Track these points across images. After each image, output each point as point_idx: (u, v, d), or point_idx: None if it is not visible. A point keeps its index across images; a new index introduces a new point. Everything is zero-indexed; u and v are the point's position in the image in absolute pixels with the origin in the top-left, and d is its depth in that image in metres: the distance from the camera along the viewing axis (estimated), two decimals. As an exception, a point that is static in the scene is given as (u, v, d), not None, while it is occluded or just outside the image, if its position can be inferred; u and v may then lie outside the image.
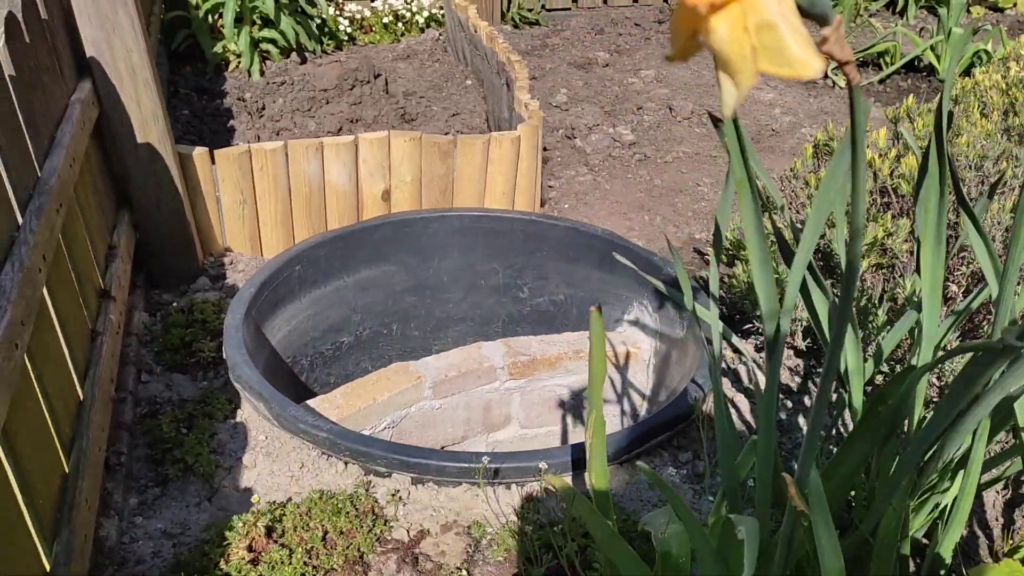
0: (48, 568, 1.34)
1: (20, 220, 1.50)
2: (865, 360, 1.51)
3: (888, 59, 4.66)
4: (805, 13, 0.60)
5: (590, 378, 1.24)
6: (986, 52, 4.27)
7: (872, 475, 1.32)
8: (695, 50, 0.58)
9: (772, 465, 1.23)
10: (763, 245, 1.14)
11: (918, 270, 1.34)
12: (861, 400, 1.43)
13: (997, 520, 1.87)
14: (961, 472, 1.30)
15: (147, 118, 2.25)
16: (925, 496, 1.41)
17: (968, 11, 5.68)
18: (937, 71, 4.54)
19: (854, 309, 1.97)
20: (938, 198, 1.09)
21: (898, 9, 5.69)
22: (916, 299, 1.37)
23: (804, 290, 1.45)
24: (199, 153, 2.49)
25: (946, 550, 1.25)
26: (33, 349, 1.41)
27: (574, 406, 2.59)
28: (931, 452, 1.16)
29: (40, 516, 1.34)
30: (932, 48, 4.57)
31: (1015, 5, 5.82)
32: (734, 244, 2.23)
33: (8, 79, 1.57)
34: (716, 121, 1.30)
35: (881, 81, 4.61)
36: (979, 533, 1.82)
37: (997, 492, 1.92)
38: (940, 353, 1.39)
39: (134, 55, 2.17)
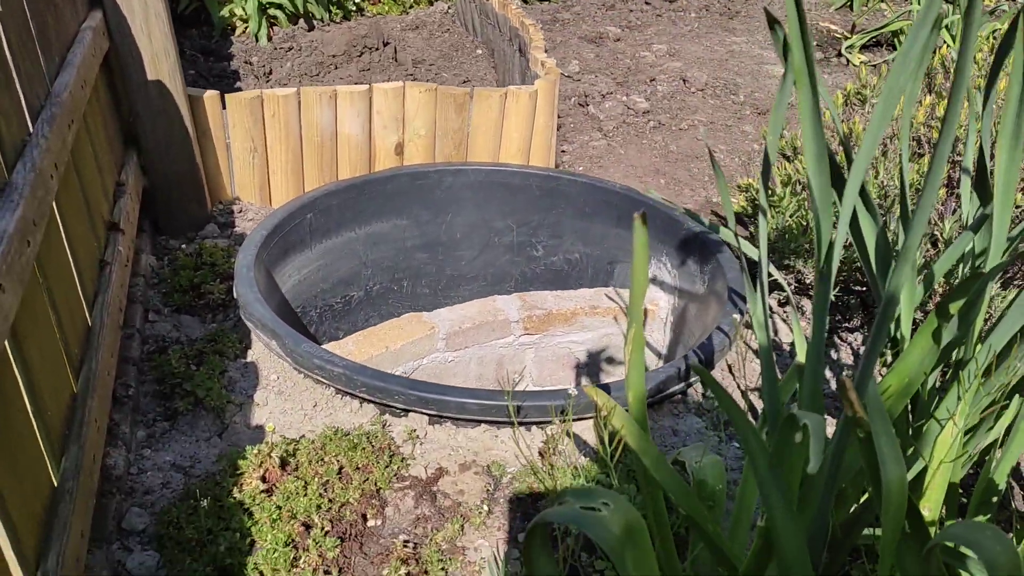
0: (56, 482, 1.27)
1: (31, 127, 1.43)
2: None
3: (902, 38, 4.61)
4: None
5: (632, 289, 1.18)
6: (1000, 30, 4.22)
7: (926, 398, 1.26)
8: None
9: (820, 378, 1.18)
10: (820, 137, 1.08)
11: (977, 187, 1.29)
12: (910, 331, 1.38)
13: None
14: (1018, 397, 1.24)
15: (158, 52, 2.18)
16: (971, 433, 1.35)
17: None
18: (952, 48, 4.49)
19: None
20: (1020, 89, 1.03)
21: (910, -6, 5.63)
22: (974, 223, 1.31)
23: (852, 220, 1.39)
24: (210, 96, 2.42)
25: (1001, 475, 1.20)
26: (43, 259, 1.35)
27: (589, 365, 2.53)
28: (996, 361, 1.10)
29: (49, 431, 1.28)
30: (947, 28, 4.52)
31: (1027, -7, 5.78)
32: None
33: (20, -16, 1.50)
34: (773, 21, 1.24)
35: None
36: (1013, 484, 1.77)
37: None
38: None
39: (147, -14, 2.10)
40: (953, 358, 1.26)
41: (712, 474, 1.33)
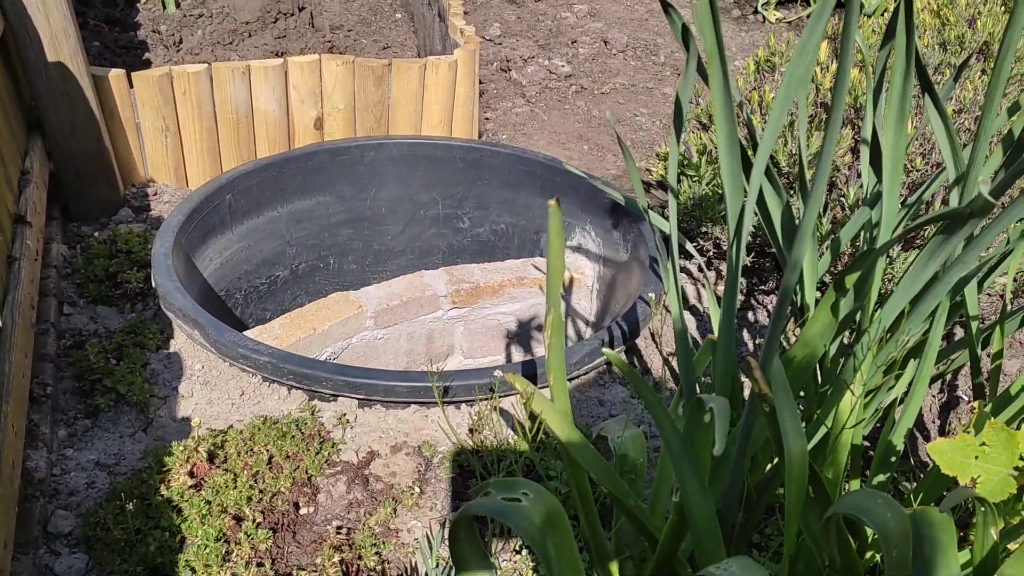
0: (-28, 495, 1.25)
1: (-80, 126, 1.37)
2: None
3: (817, -5, 4.70)
4: None
5: (548, 275, 1.20)
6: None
7: (828, 365, 1.33)
8: None
9: (733, 353, 1.23)
10: (732, 121, 1.11)
11: (872, 163, 1.34)
12: (814, 298, 1.44)
13: (934, 423, 1.93)
14: (913, 361, 1.31)
15: (57, 33, 2.09)
16: (871, 396, 1.43)
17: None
18: (864, 4, 4.59)
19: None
20: (903, 70, 1.08)
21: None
22: (870, 199, 1.37)
23: (760, 197, 1.43)
24: (115, 75, 2.33)
25: (898, 437, 1.27)
26: (-57, 264, 1.30)
27: (518, 335, 2.57)
28: (890, 332, 1.16)
29: (-40, 441, 1.25)
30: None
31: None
32: (679, 162, 2.21)
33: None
34: (667, 5, 1.25)
35: (810, 16, 4.65)
36: (917, 435, 1.87)
37: (933, 396, 1.98)
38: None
39: (39, -37, 2.00)
40: (856, 325, 1.32)
41: (633, 447, 1.38)
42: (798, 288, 1.47)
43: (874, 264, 1.07)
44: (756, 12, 4.67)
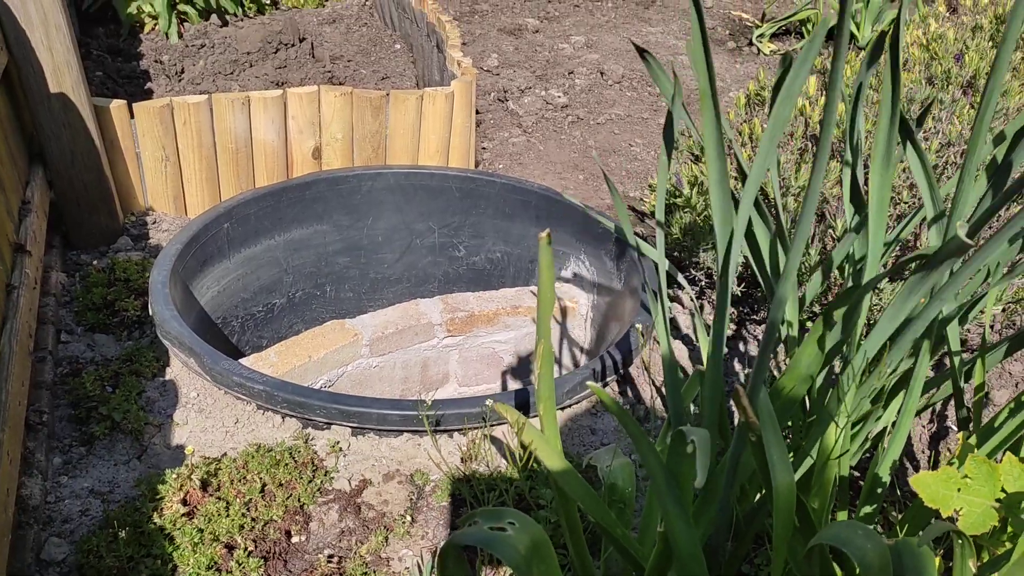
0: (-34, 522, 1.26)
1: (-77, 158, 1.39)
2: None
3: (810, 27, 4.77)
4: None
5: (539, 307, 1.23)
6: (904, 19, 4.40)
7: (816, 396, 1.35)
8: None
9: (720, 384, 1.24)
10: (722, 157, 1.14)
11: (853, 200, 1.36)
12: (797, 331, 1.46)
13: (924, 452, 1.94)
14: (901, 393, 1.33)
15: (60, 65, 2.13)
16: (859, 426, 1.44)
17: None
18: (857, 38, 4.66)
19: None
20: (890, 113, 1.10)
21: (818, -19, 5.81)
22: (854, 229, 1.39)
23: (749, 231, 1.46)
24: (116, 106, 2.37)
25: (884, 469, 1.29)
26: (-58, 294, 1.32)
27: (513, 364, 2.58)
28: (872, 366, 1.18)
29: (-44, 469, 1.26)
30: (852, 16, 4.69)
31: (927, -21, 6.02)
32: (670, 192, 2.24)
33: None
34: (642, 52, 1.29)
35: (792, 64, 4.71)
36: (907, 465, 1.88)
37: (923, 427, 1.99)
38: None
39: (44, -2, 2.05)
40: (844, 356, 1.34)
41: (622, 476, 1.40)
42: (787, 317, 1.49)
43: (860, 300, 1.09)
44: (751, 44, 4.74)
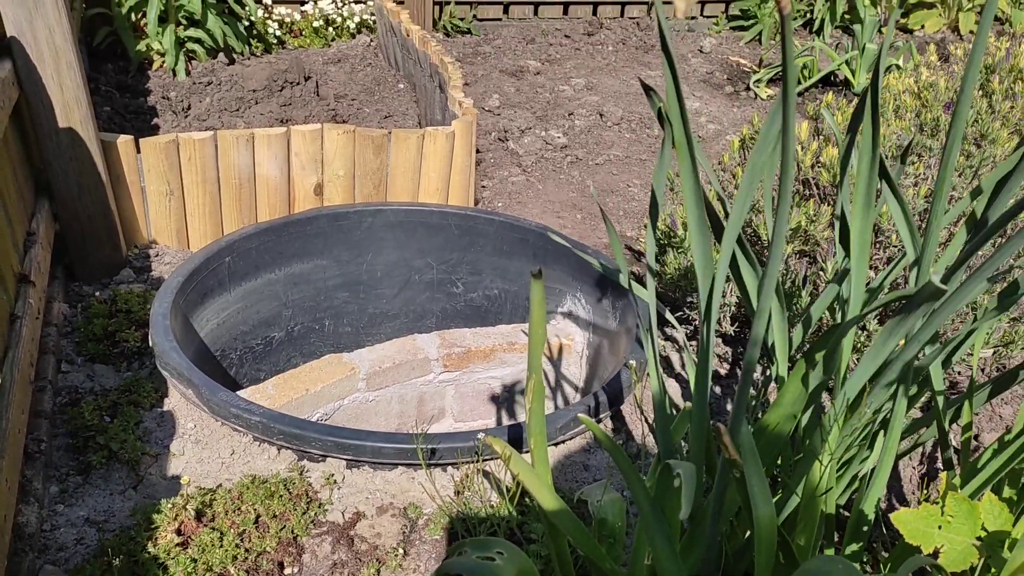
0: (-37, 548, 1.28)
1: (-64, 189, 1.43)
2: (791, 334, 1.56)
3: (806, 73, 4.86)
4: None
5: (530, 343, 1.26)
6: (897, 66, 4.48)
7: (800, 435, 1.37)
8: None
9: (707, 421, 1.27)
10: (700, 205, 1.18)
11: (843, 241, 1.40)
12: (786, 370, 1.48)
13: (914, 494, 1.95)
14: (882, 433, 1.35)
15: (69, 101, 2.18)
16: (845, 466, 1.47)
17: (880, 32, 5.96)
18: (852, 84, 4.75)
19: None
20: (870, 158, 1.15)
21: (814, 28, 5.93)
22: (838, 276, 1.43)
23: (734, 265, 1.50)
24: (123, 141, 2.42)
25: (869, 506, 1.31)
26: (-51, 322, 1.35)
27: (508, 399, 2.60)
28: (854, 406, 1.21)
29: (-45, 495, 1.28)
30: (847, 63, 4.78)
31: (923, 27, 6.14)
32: (665, 234, 2.28)
33: (-76, 45, 1.51)
34: (648, 90, 1.33)
35: (799, 94, 4.80)
36: (897, 505, 1.90)
37: (913, 468, 2.01)
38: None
39: (57, 36, 2.11)
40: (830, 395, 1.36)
41: (612, 511, 1.41)
42: (776, 359, 1.52)
43: (839, 341, 1.12)
44: (748, 89, 4.82)
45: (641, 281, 2.68)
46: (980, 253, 1.98)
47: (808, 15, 5.94)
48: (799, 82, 4.93)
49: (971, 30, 5.86)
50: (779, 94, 1.04)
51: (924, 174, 2.03)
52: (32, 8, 2.06)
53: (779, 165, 0.92)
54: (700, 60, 5.23)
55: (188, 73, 4.17)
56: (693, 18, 6.02)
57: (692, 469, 0.95)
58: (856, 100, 3.17)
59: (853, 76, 4.76)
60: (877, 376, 1.16)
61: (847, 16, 5.90)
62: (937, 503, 1.28)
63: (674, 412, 2.05)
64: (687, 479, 0.93)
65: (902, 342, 1.11)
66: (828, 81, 4.94)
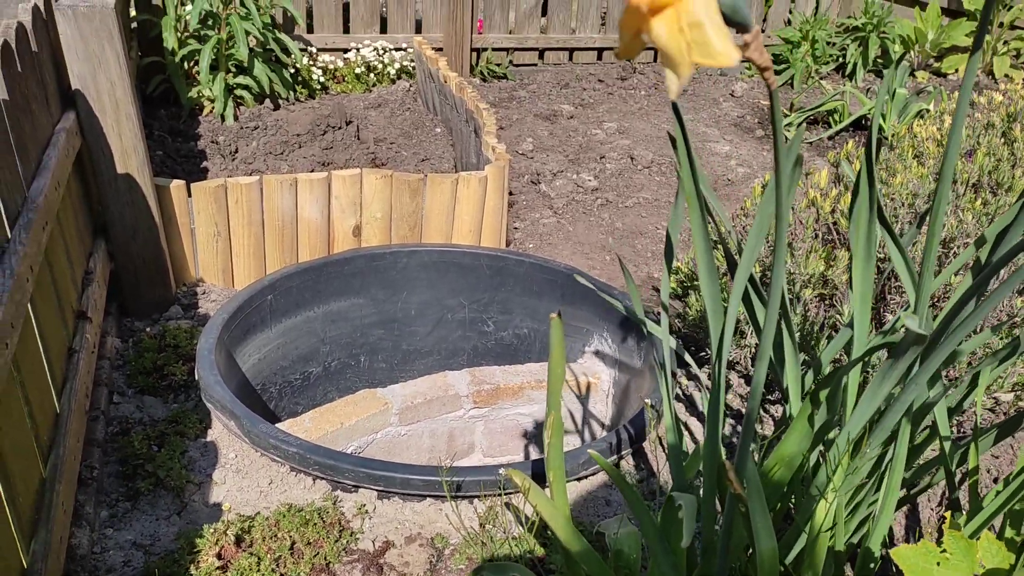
0: (26, 565, 1.38)
1: (9, 234, 1.57)
2: (805, 375, 1.62)
3: (837, 117, 4.92)
4: (728, 20, 0.73)
5: (549, 379, 1.34)
6: (927, 111, 4.53)
7: (808, 473, 1.42)
8: (640, 47, 0.69)
9: (718, 458, 1.33)
10: (709, 252, 1.26)
11: (850, 286, 1.47)
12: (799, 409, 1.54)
13: (931, 534, 1.98)
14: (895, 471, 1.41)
15: (127, 149, 2.34)
16: (856, 506, 1.51)
17: (913, 75, 6.00)
18: (883, 128, 4.79)
19: (799, 335, 2.10)
20: (868, 215, 1.22)
21: (847, 73, 6.00)
22: (851, 320, 1.50)
23: (750, 309, 1.57)
24: (176, 185, 2.57)
25: (875, 544, 1.35)
26: (18, 356, 1.48)
27: (536, 435, 2.67)
28: (858, 444, 1.27)
29: (20, 516, 1.39)
30: (879, 108, 4.83)
31: (956, 71, 6.17)
32: (688, 276, 2.35)
33: (2, 102, 1.65)
34: (675, 143, 1.42)
35: (830, 137, 4.86)
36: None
37: (932, 510, 2.04)
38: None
39: (118, 89, 2.27)
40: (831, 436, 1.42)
41: (628, 544, 1.48)
42: (789, 399, 1.58)
43: (839, 382, 1.19)
44: (778, 132, 4.89)
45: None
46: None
47: (840, 59, 6.01)
48: (830, 125, 4.99)
49: (1006, 74, 5.88)
50: (784, 147, 1.12)
51: (944, 221, 2.08)
52: (96, 64, 2.22)
53: (774, 224, 1.00)
54: (732, 104, 5.32)
55: (236, 118, 4.36)
56: (725, 62, 6.12)
57: (693, 501, 1.02)
58: (882, 143, 3.23)
59: (884, 120, 4.81)
60: (879, 418, 1.22)
61: (880, 60, 5.96)
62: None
63: (688, 450, 2.11)
64: (688, 510, 1.00)
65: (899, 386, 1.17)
66: (859, 125, 4.99)
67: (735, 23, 0.70)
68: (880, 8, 5.90)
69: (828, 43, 5.87)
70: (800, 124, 4.88)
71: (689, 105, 5.24)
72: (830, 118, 4.96)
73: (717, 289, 1.29)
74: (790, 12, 6.17)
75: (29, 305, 1.59)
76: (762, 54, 0.73)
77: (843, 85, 5.42)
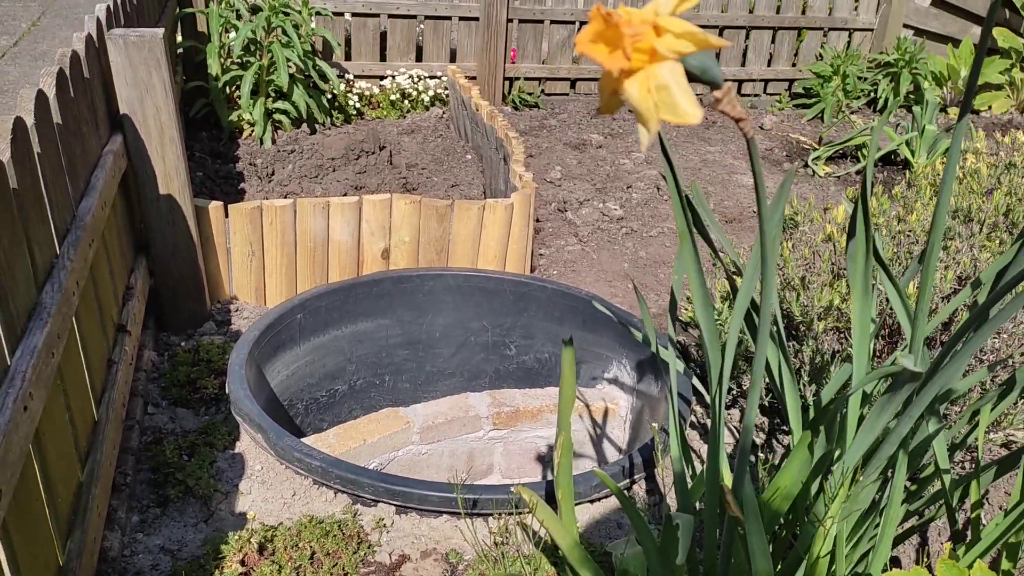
0: (61, 563, 1.47)
1: (58, 250, 1.68)
2: (812, 406, 1.67)
3: (865, 151, 4.94)
4: (699, 79, 0.80)
5: (560, 402, 1.40)
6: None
7: (810, 500, 1.47)
8: (618, 104, 0.77)
9: (718, 482, 1.38)
10: (703, 286, 1.32)
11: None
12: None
13: (942, 570, 1.99)
14: (896, 503, 1.44)
15: (170, 171, 2.45)
16: (860, 537, 1.55)
17: (945, 111, 6.01)
18: (911, 164, 4.81)
19: (809, 367, 2.14)
20: (864, 253, 1.27)
21: (878, 107, 6.02)
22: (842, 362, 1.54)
23: (755, 339, 1.62)
24: (215, 206, 2.69)
25: (875, 569, 1.39)
26: (62, 366, 1.57)
27: (553, 458, 2.72)
28: (856, 475, 1.31)
29: (58, 516, 1.48)
30: (907, 143, 4.86)
31: (990, 108, 6.17)
32: (705, 307, 2.40)
33: (56, 125, 1.77)
34: (672, 177, 1.49)
35: (858, 172, 4.88)
36: None
37: (942, 543, 2.05)
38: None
39: (163, 114, 2.39)
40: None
41: (634, 564, 1.52)
42: (793, 430, 1.63)
43: (835, 414, 1.23)
44: (806, 166, 4.93)
45: (685, 350, 2.79)
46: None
47: (872, 94, 6.04)
48: (858, 160, 5.01)
49: (1038, 111, 5.86)
50: (780, 186, 1.19)
51: (955, 259, 2.12)
52: (144, 90, 2.35)
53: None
54: (760, 136, 5.37)
55: (274, 141, 4.51)
56: (756, 95, 6.18)
57: (690, 520, 1.08)
58: (911, 178, 3.26)
59: (912, 156, 4.83)
60: (877, 449, 1.27)
61: (911, 96, 5.98)
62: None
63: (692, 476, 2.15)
64: (684, 528, 1.06)
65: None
66: (888, 160, 5.01)
67: (705, 81, 0.77)
68: (912, 45, 5.92)
69: (859, 78, 5.90)
70: (828, 158, 4.91)
71: (717, 137, 5.30)
72: (859, 152, 4.99)
73: (712, 321, 1.34)
74: (822, 47, 6.22)
75: (73, 317, 1.69)
76: (734, 107, 0.80)
77: (873, 120, 5.45)
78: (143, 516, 1.92)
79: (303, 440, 2.25)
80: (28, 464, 1.32)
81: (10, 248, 1.36)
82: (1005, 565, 1.35)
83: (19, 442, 1.23)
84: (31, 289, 1.47)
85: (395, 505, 1.97)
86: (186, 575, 1.70)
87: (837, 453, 1.38)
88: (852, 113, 5.90)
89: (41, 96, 1.68)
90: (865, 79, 5.98)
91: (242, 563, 1.75)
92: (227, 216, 2.72)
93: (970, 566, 1.39)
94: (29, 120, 1.58)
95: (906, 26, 6.41)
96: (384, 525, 1.94)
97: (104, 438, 1.80)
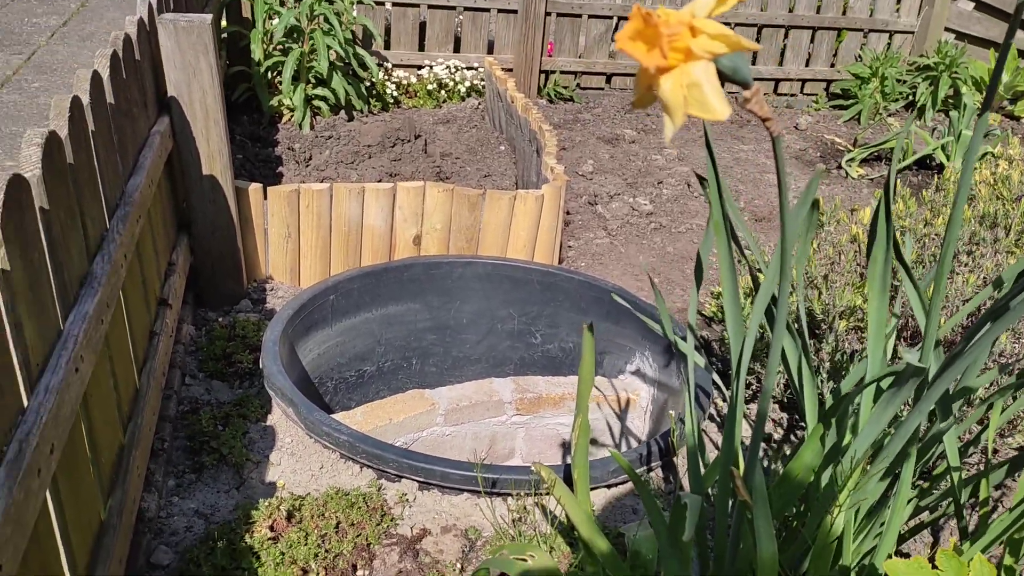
0: (103, 518, 1.55)
1: (108, 224, 1.76)
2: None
3: (901, 155, 4.92)
4: (729, 79, 0.85)
5: (579, 386, 1.46)
6: (992, 155, 4.51)
7: (819, 491, 1.51)
8: (652, 99, 0.82)
9: (731, 471, 1.43)
10: (734, 278, 1.37)
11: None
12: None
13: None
14: (906, 493, 1.48)
15: (213, 153, 2.54)
16: (868, 525, 1.59)
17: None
18: (946, 168, 4.78)
19: (829, 364, 2.17)
20: (884, 251, 1.31)
21: (916, 111, 5.97)
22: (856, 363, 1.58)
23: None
24: (254, 188, 2.77)
25: (879, 559, 1.43)
26: (108, 334, 1.66)
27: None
28: (863, 464, 1.35)
29: (101, 475, 1.57)
30: (943, 148, 4.83)
31: (1031, 114, 6.09)
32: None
33: (109, 106, 1.86)
34: (701, 179, 1.54)
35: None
36: None
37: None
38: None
39: (208, 97, 2.48)
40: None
41: (646, 545, 1.58)
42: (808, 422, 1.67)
43: (847, 407, 1.28)
44: (840, 167, 4.92)
45: (708, 345, 2.83)
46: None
47: (910, 97, 6.00)
48: (890, 162, 4.98)
49: (1081, 119, 5.78)
50: (803, 192, 1.23)
51: (980, 263, 2.14)
52: (191, 73, 2.43)
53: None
54: (794, 136, 5.36)
55: (312, 127, 4.60)
56: (793, 95, 6.16)
57: (698, 500, 1.13)
58: (939, 183, 3.27)
59: (948, 160, 4.80)
60: (885, 442, 1.31)
61: (950, 100, 5.92)
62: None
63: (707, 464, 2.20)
64: (692, 507, 1.11)
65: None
66: (924, 164, 4.99)
67: (736, 81, 0.82)
68: (953, 48, 5.87)
69: (898, 80, 5.86)
70: (862, 160, 4.90)
71: (752, 136, 5.30)
72: (894, 155, 4.96)
73: (739, 312, 1.39)
74: (861, 48, 6.18)
75: (120, 289, 1.78)
76: (762, 107, 0.85)
77: (912, 124, 5.42)
78: (179, 480, 2.01)
79: (332, 416, 2.33)
80: (76, 424, 1.40)
81: (66, 220, 1.44)
82: (1007, 560, 1.38)
83: (70, 401, 1.31)
84: (83, 260, 1.55)
85: (418, 481, 2.04)
86: (218, 537, 1.79)
87: (847, 442, 1.42)
88: (889, 116, 5.86)
89: (96, 77, 1.76)
90: (904, 82, 5.93)
91: (271, 528, 1.83)
92: (266, 198, 2.81)
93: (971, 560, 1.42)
94: (85, 99, 1.67)
95: (948, 29, 6.34)
96: (407, 500, 2.01)
97: (145, 405, 1.89)
